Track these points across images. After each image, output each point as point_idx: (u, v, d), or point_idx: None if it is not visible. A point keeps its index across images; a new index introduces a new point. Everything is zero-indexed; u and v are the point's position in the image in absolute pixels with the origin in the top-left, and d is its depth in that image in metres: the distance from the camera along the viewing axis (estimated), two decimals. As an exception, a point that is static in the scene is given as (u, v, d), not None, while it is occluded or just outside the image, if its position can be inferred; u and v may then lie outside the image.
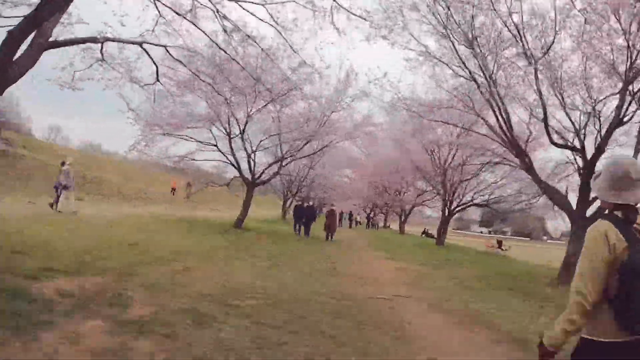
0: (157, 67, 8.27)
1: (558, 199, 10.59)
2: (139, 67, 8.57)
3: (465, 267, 11.40)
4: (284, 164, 16.92)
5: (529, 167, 11.00)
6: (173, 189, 32.02)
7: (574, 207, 10.21)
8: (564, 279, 10.05)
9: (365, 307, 5.60)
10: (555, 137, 10.88)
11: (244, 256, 8.70)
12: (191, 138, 16.15)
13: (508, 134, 11.15)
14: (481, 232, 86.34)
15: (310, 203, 19.69)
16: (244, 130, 15.51)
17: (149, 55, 8.06)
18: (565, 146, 9.97)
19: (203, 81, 10.72)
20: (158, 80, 8.61)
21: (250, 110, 15.11)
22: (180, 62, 9.06)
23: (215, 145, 16.13)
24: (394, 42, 10.48)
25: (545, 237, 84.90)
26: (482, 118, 12.21)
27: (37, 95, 50.72)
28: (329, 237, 16.58)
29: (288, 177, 25.43)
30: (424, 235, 34.33)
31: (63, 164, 13.25)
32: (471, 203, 18.64)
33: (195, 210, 26.16)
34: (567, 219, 10.93)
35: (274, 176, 16.98)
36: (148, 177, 31.29)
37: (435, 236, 33.25)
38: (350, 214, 38.98)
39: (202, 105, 15.25)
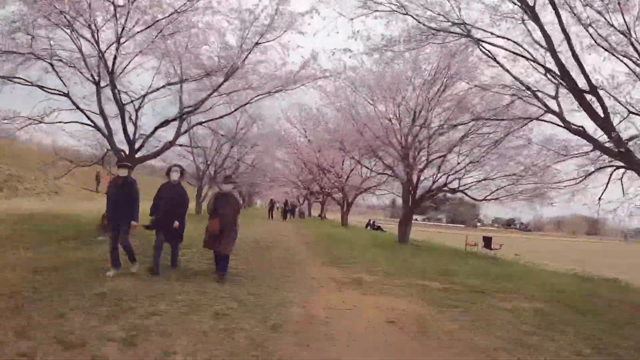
0: None
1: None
2: None
3: (488, 293, 6.65)
4: (183, 129, 11.01)
5: (603, 119, 6.56)
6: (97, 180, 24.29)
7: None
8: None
9: None
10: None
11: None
12: (27, 81, 9.60)
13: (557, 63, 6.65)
14: (416, 220, 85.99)
15: (175, 178, 6.39)
16: (112, 67, 9.32)
17: None
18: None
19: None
20: None
21: (121, 33, 8.98)
22: None
23: (66, 95, 9.78)
24: None
25: (478, 224, 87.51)
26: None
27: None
28: (220, 266, 6.35)
29: (201, 153, 19.38)
30: (369, 227, 30.10)
31: None
32: (445, 188, 14.09)
33: (82, 201, 19.13)
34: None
35: (169, 147, 10.89)
36: (33, 161, 22.83)
37: (383, 230, 29.33)
38: (286, 203, 33.52)
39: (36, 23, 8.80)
